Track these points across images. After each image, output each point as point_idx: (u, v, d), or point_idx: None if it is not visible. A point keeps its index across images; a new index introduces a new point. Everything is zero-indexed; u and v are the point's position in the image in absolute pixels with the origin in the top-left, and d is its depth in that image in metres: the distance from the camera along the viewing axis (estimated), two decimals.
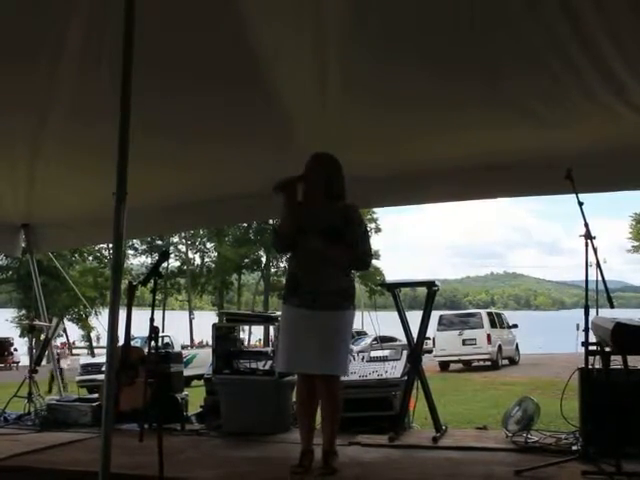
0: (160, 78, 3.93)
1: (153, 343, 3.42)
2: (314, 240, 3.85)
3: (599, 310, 4.12)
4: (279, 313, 4.52)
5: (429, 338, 18.43)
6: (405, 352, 5.40)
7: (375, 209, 34.23)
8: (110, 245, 27.85)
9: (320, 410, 4.01)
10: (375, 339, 17.69)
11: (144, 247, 43.31)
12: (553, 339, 35.42)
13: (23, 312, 35.48)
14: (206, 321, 28.49)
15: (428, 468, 4.03)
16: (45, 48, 3.75)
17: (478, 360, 20.13)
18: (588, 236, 3.82)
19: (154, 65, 3.69)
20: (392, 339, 19.25)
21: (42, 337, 8.23)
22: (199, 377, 13.18)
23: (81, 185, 5.69)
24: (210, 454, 4.59)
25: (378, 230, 40.99)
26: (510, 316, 24.92)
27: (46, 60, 3.84)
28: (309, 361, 3.81)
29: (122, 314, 3.35)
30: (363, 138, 4.66)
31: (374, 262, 40.32)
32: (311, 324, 3.81)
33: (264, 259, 42.13)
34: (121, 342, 4.93)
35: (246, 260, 42.01)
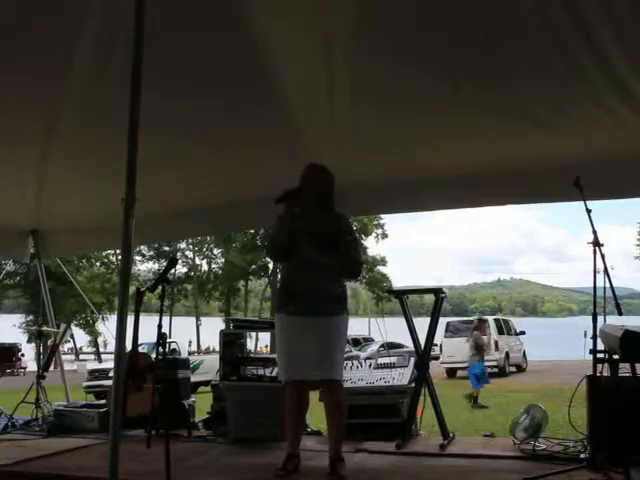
0: (167, 82, 3.94)
1: (161, 349, 3.44)
2: (308, 248, 3.89)
3: (607, 317, 4.11)
4: None
5: (436, 345, 18.36)
6: (412, 359, 5.38)
7: (382, 215, 34.05)
8: (118, 251, 27.96)
9: (326, 418, 4.02)
10: (382, 345, 17.64)
11: (151, 253, 43.32)
12: (560, 346, 35.22)
13: (31, 318, 35.51)
14: (213, 327, 28.48)
15: (435, 476, 4.02)
16: (57, 49, 3.76)
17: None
18: (596, 243, 3.81)
19: (160, 69, 3.69)
20: (399, 346, 19.17)
21: (49, 343, 8.24)
22: (206, 383, 13.18)
23: (89, 190, 5.70)
24: (217, 461, 4.58)
25: (385, 236, 40.78)
26: (517, 323, 24.81)
27: (58, 61, 3.85)
28: (308, 368, 3.83)
29: (130, 320, 3.36)
30: (369, 143, 4.66)
31: (381, 268, 40.27)
32: (307, 331, 3.84)
33: (271, 265, 42.06)
34: (128, 348, 4.94)
35: (253, 266, 41.94)
